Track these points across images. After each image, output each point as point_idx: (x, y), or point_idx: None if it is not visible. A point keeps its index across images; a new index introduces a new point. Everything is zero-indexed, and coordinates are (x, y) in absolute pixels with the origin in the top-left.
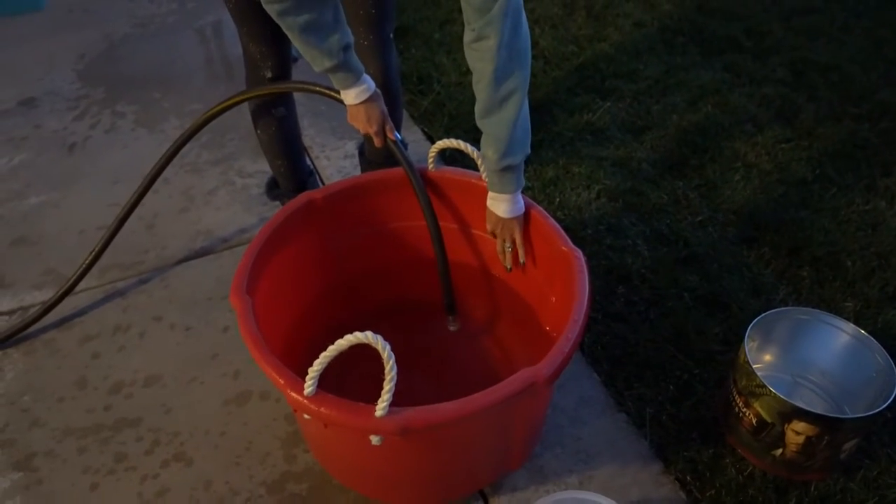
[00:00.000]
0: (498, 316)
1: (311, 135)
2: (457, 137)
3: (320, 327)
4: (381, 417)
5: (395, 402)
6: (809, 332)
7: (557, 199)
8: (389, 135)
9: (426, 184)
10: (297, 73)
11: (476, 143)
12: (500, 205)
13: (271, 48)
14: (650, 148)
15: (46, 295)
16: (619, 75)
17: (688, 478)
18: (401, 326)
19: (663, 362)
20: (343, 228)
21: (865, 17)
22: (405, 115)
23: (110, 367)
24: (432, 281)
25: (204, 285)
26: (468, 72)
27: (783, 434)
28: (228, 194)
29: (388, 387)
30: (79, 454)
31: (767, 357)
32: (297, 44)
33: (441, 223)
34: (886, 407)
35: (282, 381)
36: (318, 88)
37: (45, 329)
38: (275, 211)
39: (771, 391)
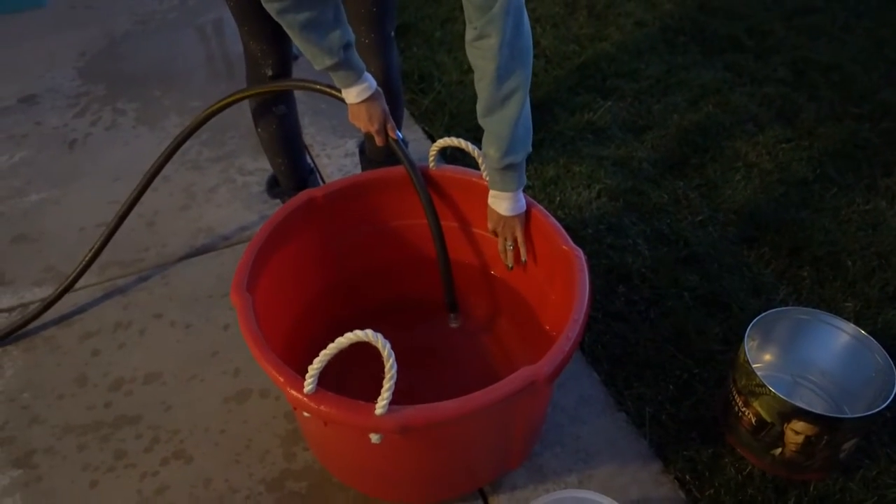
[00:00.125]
0: (498, 315)
1: (311, 133)
2: (458, 136)
3: (321, 325)
4: (381, 415)
5: (395, 401)
6: (809, 331)
7: (558, 198)
8: (391, 133)
9: (427, 182)
10: (297, 72)
11: (477, 141)
12: (502, 203)
13: (272, 46)
14: (651, 147)
15: (46, 292)
16: (621, 74)
17: (687, 477)
18: (401, 325)
19: (663, 362)
20: (344, 227)
21: (867, 17)
22: (406, 113)
23: (110, 365)
24: (433, 280)
25: (204, 283)
26: (469, 70)
27: (782, 434)
28: (229, 192)
29: (387, 385)
30: (78, 451)
31: (767, 357)
32: (297, 42)
33: (442, 222)
34: (886, 407)
35: (282, 379)
36: (319, 87)
37: (45, 326)
38: (275, 209)
39: (770, 391)
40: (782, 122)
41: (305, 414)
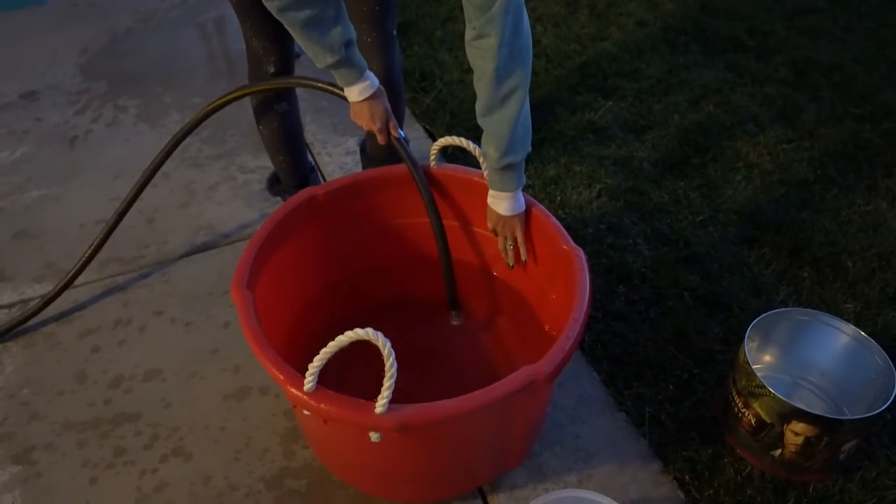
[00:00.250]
0: (498, 314)
1: (312, 131)
2: (459, 135)
3: (321, 323)
4: (381, 414)
5: (395, 399)
6: (809, 332)
7: (558, 198)
8: (393, 132)
9: (428, 181)
10: (299, 69)
11: (478, 140)
12: (501, 203)
13: (274, 44)
14: (652, 147)
15: (47, 288)
16: (622, 74)
17: (686, 477)
18: (402, 323)
19: (663, 362)
20: (344, 225)
21: (868, 18)
22: (407, 112)
23: (110, 362)
24: (434, 278)
25: (204, 280)
26: (470, 69)
27: (782, 435)
28: (230, 189)
29: (388, 383)
30: (78, 448)
31: (767, 357)
32: (298, 39)
33: (443, 220)
34: (885, 408)
35: (282, 377)
36: (321, 85)
37: (44, 322)
38: (276, 207)
39: (770, 392)
40: (783, 123)
41: (305, 412)
